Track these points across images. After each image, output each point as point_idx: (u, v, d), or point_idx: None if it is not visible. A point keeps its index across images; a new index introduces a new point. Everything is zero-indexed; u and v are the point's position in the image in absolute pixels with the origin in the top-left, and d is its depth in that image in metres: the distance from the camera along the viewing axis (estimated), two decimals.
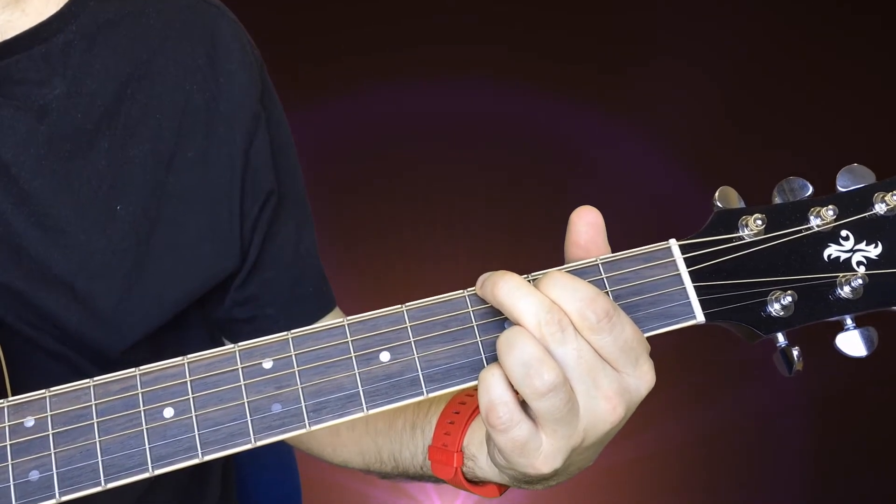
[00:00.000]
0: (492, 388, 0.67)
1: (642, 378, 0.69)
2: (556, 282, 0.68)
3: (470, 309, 0.70)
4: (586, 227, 0.73)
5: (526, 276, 0.71)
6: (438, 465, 0.85)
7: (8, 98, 0.84)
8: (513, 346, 0.66)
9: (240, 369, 0.69)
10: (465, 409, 0.84)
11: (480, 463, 0.81)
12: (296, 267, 1.02)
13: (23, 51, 0.84)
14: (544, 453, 0.70)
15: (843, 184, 0.76)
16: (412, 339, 0.70)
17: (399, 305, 0.71)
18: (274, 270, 1.00)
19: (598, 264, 0.72)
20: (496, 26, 3.01)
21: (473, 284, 0.71)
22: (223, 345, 0.74)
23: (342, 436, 1.01)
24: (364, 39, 2.94)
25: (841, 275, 0.73)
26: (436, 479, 0.88)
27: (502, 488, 0.83)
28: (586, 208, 0.73)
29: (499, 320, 0.70)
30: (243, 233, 0.96)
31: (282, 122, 1.01)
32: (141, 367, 0.69)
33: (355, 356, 0.69)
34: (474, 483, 0.84)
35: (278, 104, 1.01)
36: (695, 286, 0.72)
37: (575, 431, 0.69)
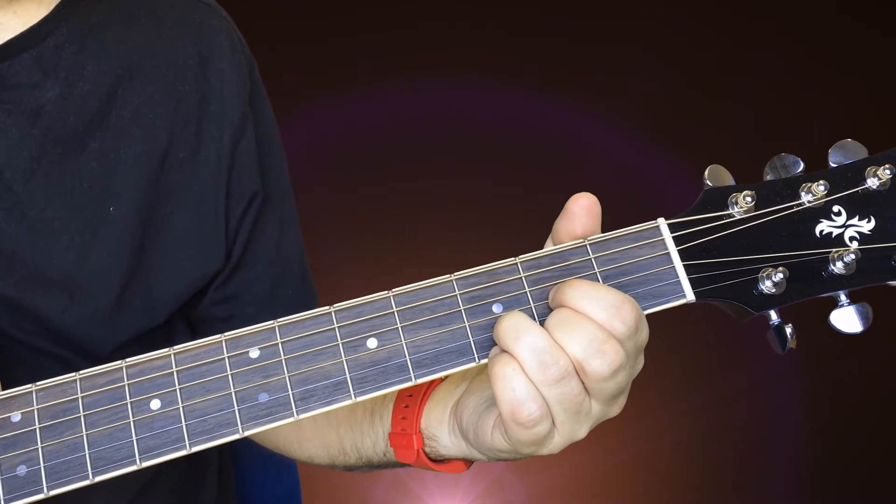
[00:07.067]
0: (515, 382, 0.66)
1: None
2: (579, 286, 0.68)
3: (457, 293, 0.70)
4: (584, 213, 0.71)
5: (514, 259, 0.71)
6: (400, 450, 0.85)
7: (0, 102, 0.83)
8: (520, 331, 0.66)
9: (226, 359, 0.68)
10: (417, 390, 0.83)
11: (443, 441, 0.80)
12: (277, 268, 1.01)
13: (15, 55, 0.84)
14: (556, 443, 0.70)
15: (836, 160, 0.75)
16: (399, 325, 0.69)
17: (385, 291, 0.70)
18: (254, 271, 0.99)
19: (586, 245, 0.71)
20: (479, 25, 3.05)
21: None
22: None
23: (305, 430, 1.00)
24: (373, 42, 2.97)
25: (833, 250, 0.72)
26: (401, 465, 0.88)
27: (469, 462, 0.82)
28: (583, 194, 0.72)
29: (486, 304, 0.70)
30: (228, 233, 0.95)
31: (270, 122, 1.00)
32: (127, 360, 0.68)
33: (342, 343, 0.69)
34: (438, 462, 0.83)
35: (267, 104, 1.00)
36: (684, 265, 0.71)
37: (587, 418, 0.69)
